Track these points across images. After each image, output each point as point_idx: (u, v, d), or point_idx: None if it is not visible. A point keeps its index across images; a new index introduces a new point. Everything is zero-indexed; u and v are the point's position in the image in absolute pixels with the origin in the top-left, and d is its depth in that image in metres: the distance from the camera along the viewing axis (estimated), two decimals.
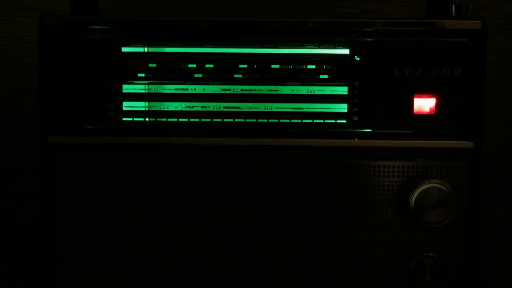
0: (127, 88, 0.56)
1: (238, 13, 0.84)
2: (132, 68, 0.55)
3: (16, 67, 0.84)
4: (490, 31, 0.54)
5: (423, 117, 0.55)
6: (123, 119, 0.56)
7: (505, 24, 0.84)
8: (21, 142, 0.82)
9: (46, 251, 0.57)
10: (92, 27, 0.55)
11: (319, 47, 0.55)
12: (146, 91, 0.56)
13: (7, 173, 0.85)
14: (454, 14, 0.57)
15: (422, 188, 0.54)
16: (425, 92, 0.55)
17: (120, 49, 0.55)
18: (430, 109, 0.55)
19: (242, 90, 0.56)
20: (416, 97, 0.55)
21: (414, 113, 0.55)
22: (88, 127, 0.56)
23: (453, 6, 0.57)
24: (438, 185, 0.54)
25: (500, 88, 0.84)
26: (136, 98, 0.56)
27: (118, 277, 0.57)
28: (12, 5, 0.84)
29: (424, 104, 0.55)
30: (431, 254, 0.55)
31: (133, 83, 0.56)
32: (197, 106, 0.56)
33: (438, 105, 0.55)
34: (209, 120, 0.56)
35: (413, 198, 0.54)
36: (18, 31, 0.84)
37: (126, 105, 0.56)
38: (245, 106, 0.56)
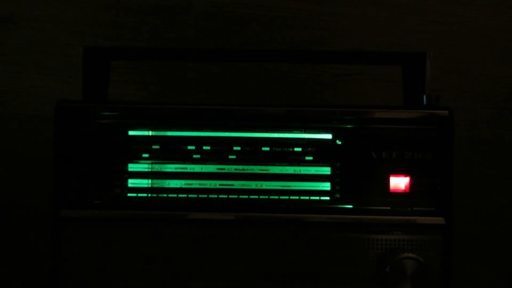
0: (132, 167, 0.61)
1: (231, 77, 0.90)
2: (137, 149, 0.61)
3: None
4: None
5: (398, 195, 0.60)
6: (128, 194, 0.61)
7: None
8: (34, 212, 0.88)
9: None
10: (103, 113, 0.61)
11: (304, 132, 0.61)
12: (150, 170, 0.61)
13: (19, 243, 0.89)
14: (425, 103, 0.63)
15: (398, 260, 0.58)
16: (400, 172, 0.60)
17: (127, 132, 0.61)
18: (405, 187, 0.60)
19: (236, 169, 0.61)
20: (392, 177, 0.60)
21: (391, 191, 0.60)
22: (96, 201, 0.60)
23: (424, 96, 0.63)
24: (413, 258, 0.58)
25: None
26: (140, 176, 0.61)
27: None
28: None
29: (399, 183, 0.60)
30: None
31: (138, 163, 0.61)
32: (195, 183, 0.61)
33: (412, 184, 0.60)
34: (206, 196, 0.61)
35: (390, 270, 0.58)
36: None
37: (131, 182, 0.61)
38: (238, 184, 0.61)
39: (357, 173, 0.60)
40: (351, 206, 0.61)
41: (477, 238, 0.91)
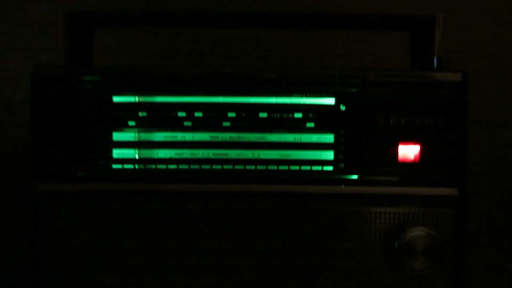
0: (117, 136, 0.57)
1: (227, 51, 0.86)
2: (122, 116, 0.57)
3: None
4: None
5: (408, 165, 0.56)
6: (113, 166, 0.57)
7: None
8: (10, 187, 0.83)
9: None
10: (85, 77, 0.56)
11: (305, 97, 0.57)
12: (136, 139, 0.57)
13: None
14: (436, 66, 0.59)
15: (408, 235, 0.54)
16: (409, 140, 0.56)
17: (112, 99, 0.56)
18: (415, 157, 0.56)
19: (231, 137, 0.57)
20: (401, 145, 0.56)
21: (399, 160, 0.56)
22: (78, 174, 0.57)
23: (435, 58, 0.59)
24: (425, 232, 0.55)
25: None
26: (126, 146, 0.57)
27: None
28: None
29: (408, 152, 0.56)
30: None
31: (124, 131, 0.57)
32: (186, 153, 0.57)
33: (422, 153, 0.56)
34: (198, 167, 0.57)
35: (399, 245, 0.55)
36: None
37: (116, 153, 0.57)
38: (233, 153, 0.57)
39: (363, 141, 0.57)
40: (356, 177, 0.57)
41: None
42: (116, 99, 0.57)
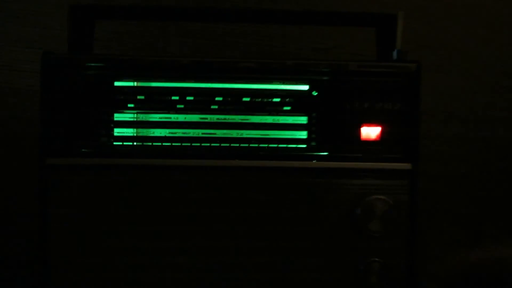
0: (118, 116, 0.61)
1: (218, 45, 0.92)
2: (123, 99, 0.61)
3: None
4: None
5: (369, 143, 0.62)
6: (114, 143, 0.61)
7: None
8: (19, 164, 0.88)
9: (41, 272, 0.60)
10: (89, 64, 0.61)
11: (283, 84, 0.62)
12: (135, 119, 0.62)
13: (7, 192, 0.90)
14: (395, 58, 0.66)
15: (369, 202, 0.62)
16: (371, 122, 0.62)
17: (113, 83, 0.61)
18: (376, 136, 0.63)
19: (218, 119, 0.62)
20: (364, 126, 0.63)
21: (362, 139, 0.62)
22: (83, 150, 0.61)
23: (395, 51, 0.67)
24: (382, 200, 0.62)
25: None
26: (126, 125, 0.62)
27: None
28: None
29: (370, 132, 0.63)
30: (377, 259, 0.62)
31: (124, 112, 0.61)
32: (179, 132, 0.62)
33: (382, 133, 0.62)
34: (189, 144, 0.62)
35: (361, 210, 0.62)
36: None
37: (117, 131, 0.61)
38: (220, 133, 0.62)
39: (332, 123, 0.62)
40: (326, 153, 0.62)
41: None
42: (117, 83, 0.61)
